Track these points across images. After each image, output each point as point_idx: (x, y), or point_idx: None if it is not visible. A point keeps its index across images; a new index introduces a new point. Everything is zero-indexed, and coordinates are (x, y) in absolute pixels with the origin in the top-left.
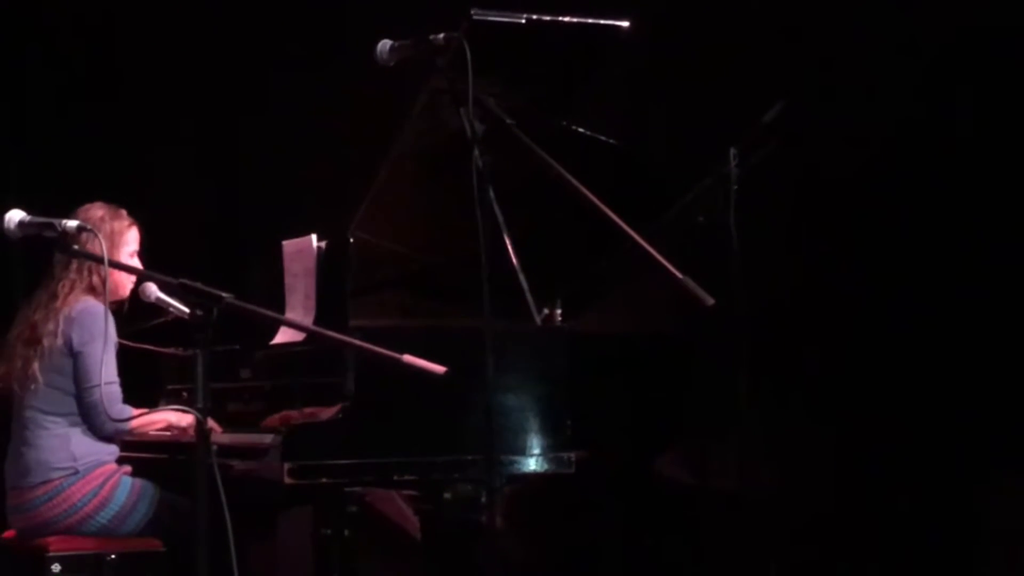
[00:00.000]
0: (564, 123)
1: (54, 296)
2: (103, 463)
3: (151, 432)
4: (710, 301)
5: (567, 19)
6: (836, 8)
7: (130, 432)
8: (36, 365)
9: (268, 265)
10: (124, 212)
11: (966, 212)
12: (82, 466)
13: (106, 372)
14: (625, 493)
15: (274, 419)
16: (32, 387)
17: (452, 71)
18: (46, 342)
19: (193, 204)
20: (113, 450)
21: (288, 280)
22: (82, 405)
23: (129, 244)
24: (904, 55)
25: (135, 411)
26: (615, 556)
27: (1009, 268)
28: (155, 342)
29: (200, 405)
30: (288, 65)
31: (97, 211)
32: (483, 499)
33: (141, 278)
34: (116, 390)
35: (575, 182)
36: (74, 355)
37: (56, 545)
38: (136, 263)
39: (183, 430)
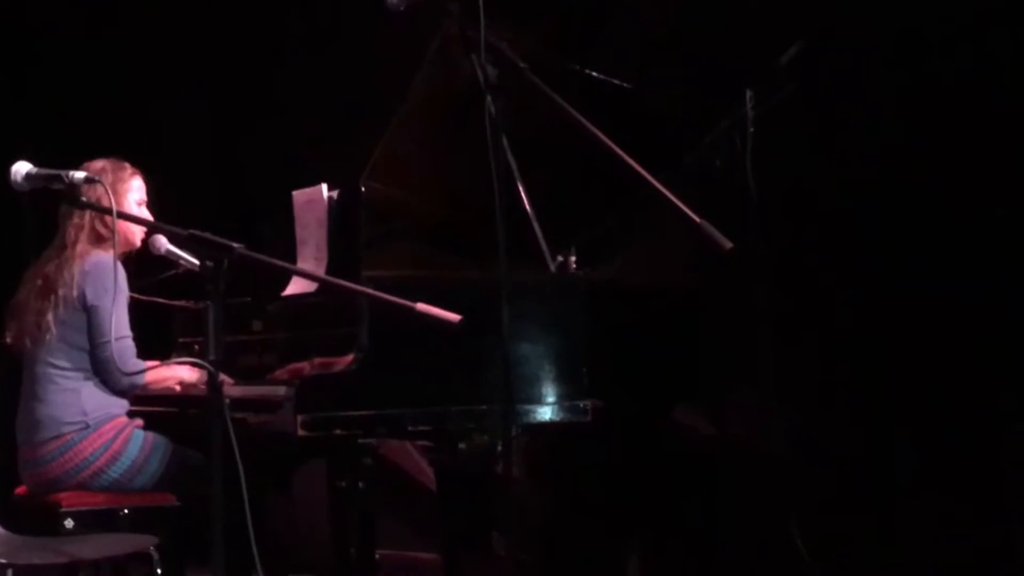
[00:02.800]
0: (578, 67)
1: (63, 247)
2: (114, 417)
3: (163, 386)
4: (728, 245)
5: None
6: None
7: (144, 386)
8: (50, 316)
9: (278, 216)
10: (127, 164)
11: (992, 154)
12: (93, 420)
13: (118, 326)
14: (641, 443)
15: (282, 372)
16: (47, 337)
17: (464, 16)
18: (61, 292)
19: (202, 155)
20: (124, 403)
21: (299, 231)
22: (96, 360)
23: (134, 191)
24: None
25: (148, 364)
26: (630, 506)
27: None
28: (166, 295)
29: (212, 358)
30: (298, 11)
31: (98, 164)
32: (498, 449)
33: (150, 230)
34: (129, 344)
35: (590, 127)
36: (88, 309)
37: (69, 500)
38: (145, 213)
39: (194, 384)
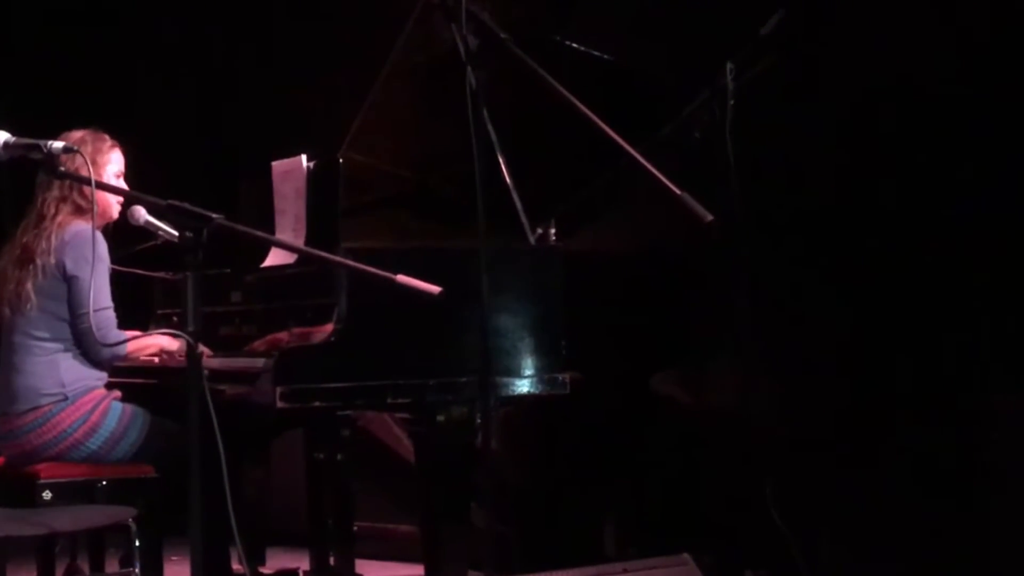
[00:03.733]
0: (559, 38)
1: (42, 217)
2: (92, 389)
3: (142, 357)
4: (709, 217)
5: None
6: None
7: (125, 357)
8: (29, 285)
9: (257, 186)
10: (106, 135)
11: (973, 123)
12: (71, 392)
13: (100, 297)
14: (621, 414)
15: (261, 343)
16: (27, 307)
17: None
18: (39, 261)
19: (181, 125)
20: (102, 375)
21: (278, 202)
22: (77, 331)
23: (112, 163)
24: None
25: (129, 334)
26: (608, 476)
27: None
28: (144, 266)
29: (191, 329)
30: None
31: (77, 134)
32: (477, 421)
33: (128, 200)
34: (110, 315)
35: (571, 98)
36: (68, 280)
37: (47, 472)
38: (122, 184)
39: (172, 355)
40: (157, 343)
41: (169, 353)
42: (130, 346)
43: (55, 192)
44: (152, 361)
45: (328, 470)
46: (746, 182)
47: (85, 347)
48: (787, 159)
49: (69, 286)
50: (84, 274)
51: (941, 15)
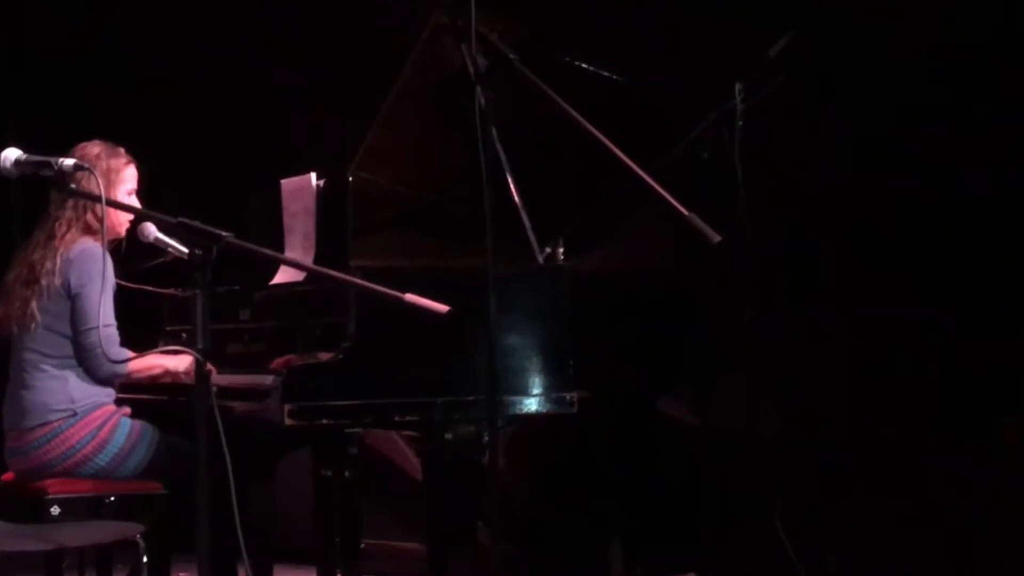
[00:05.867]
0: (568, 59)
1: (51, 236)
2: (101, 405)
3: (149, 376)
4: (717, 238)
5: None
6: None
7: (127, 375)
8: (34, 305)
9: (266, 205)
10: (122, 150)
11: (981, 144)
12: (80, 408)
13: (104, 314)
14: (628, 434)
15: (280, 362)
16: (32, 326)
17: (455, 5)
18: (44, 281)
19: (191, 143)
20: (111, 392)
21: (287, 220)
22: (79, 347)
23: (127, 182)
24: None
25: (132, 354)
26: (617, 497)
27: None
28: (154, 283)
29: (200, 346)
30: (287, 1)
31: (94, 148)
32: (485, 440)
33: (139, 217)
34: (113, 332)
35: (579, 118)
36: (72, 297)
37: (55, 488)
38: (134, 201)
39: (178, 375)
40: (162, 364)
41: (174, 375)
42: (134, 364)
43: (68, 212)
44: (160, 378)
45: (335, 487)
46: (754, 203)
47: (88, 363)
48: (795, 180)
49: (73, 303)
50: (88, 291)
51: (951, 37)
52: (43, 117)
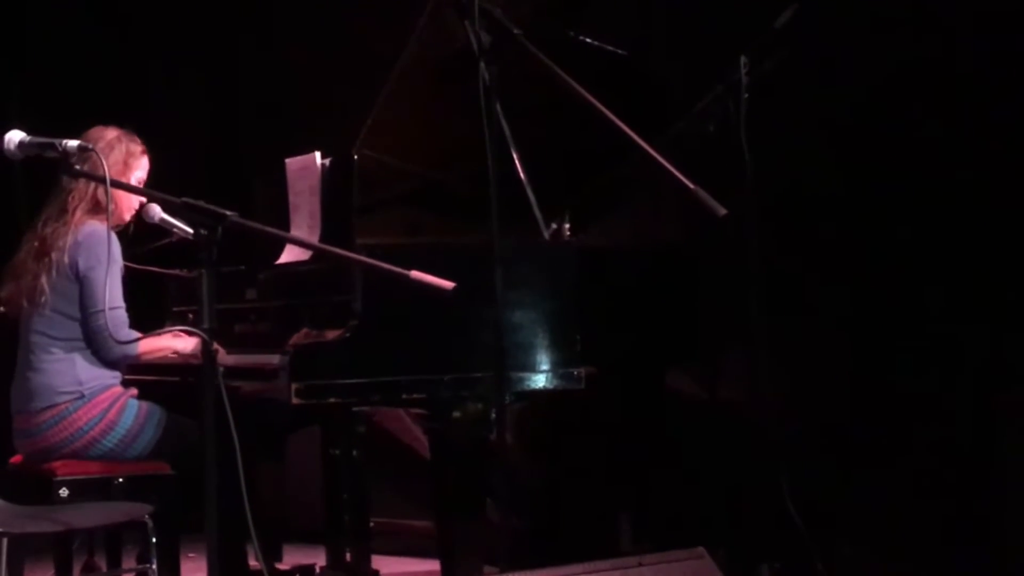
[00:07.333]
0: (572, 33)
1: (64, 211)
2: (109, 386)
3: (157, 357)
4: (722, 212)
5: None
6: None
7: (136, 356)
8: (44, 279)
9: (271, 184)
10: (137, 138)
11: (985, 118)
12: (88, 390)
13: (112, 296)
14: (635, 409)
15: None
16: (42, 300)
17: None
18: (54, 256)
19: (195, 123)
20: (118, 373)
21: (292, 198)
22: (88, 330)
23: (140, 169)
24: None
25: (140, 335)
26: (624, 472)
27: None
28: (160, 264)
29: (206, 326)
30: None
31: (112, 132)
32: (492, 417)
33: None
34: (121, 314)
35: (584, 93)
36: (80, 279)
37: (63, 469)
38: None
39: (185, 356)
40: (169, 345)
41: (182, 355)
42: (142, 346)
43: (81, 190)
44: (167, 359)
45: (344, 466)
46: (760, 176)
47: (96, 345)
48: (801, 153)
49: (81, 285)
50: (95, 273)
51: (957, 6)
52: (45, 102)
